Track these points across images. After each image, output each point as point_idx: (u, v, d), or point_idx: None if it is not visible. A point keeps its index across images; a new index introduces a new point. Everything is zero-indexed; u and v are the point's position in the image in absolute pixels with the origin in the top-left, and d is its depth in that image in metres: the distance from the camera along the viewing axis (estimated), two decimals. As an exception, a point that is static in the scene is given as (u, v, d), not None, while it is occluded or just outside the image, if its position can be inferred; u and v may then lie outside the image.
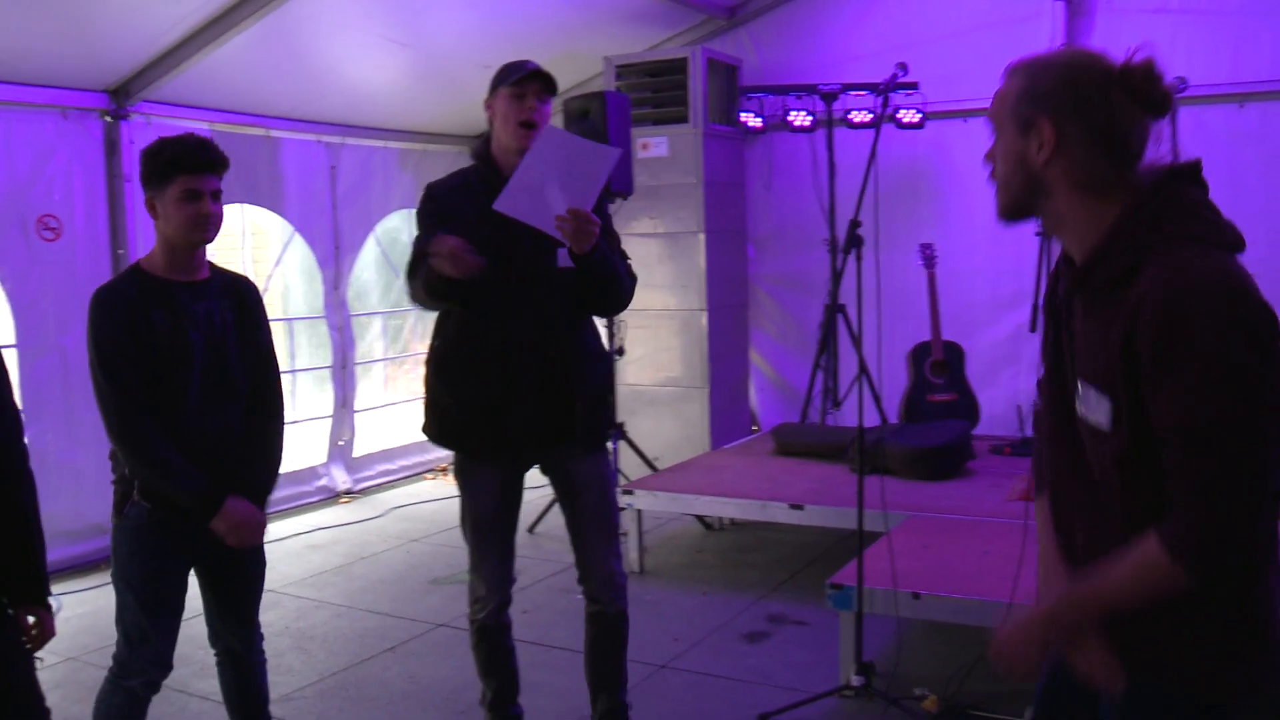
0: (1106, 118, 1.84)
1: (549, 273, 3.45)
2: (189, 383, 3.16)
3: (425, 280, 3.32)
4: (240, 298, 3.32)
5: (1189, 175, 1.90)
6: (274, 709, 4.33)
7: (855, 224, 4.04)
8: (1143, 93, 1.84)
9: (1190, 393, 1.71)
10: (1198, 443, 1.71)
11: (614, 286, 3.51)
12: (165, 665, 3.27)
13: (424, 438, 8.59)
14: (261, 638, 3.54)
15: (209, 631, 3.46)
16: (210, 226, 3.13)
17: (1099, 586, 1.86)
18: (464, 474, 3.65)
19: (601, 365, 3.71)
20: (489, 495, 3.60)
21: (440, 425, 3.65)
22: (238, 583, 3.40)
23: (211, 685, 4.56)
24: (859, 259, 4.07)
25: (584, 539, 3.67)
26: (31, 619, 2.63)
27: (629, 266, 3.64)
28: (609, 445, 3.80)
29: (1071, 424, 1.99)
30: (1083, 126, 1.85)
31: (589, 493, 3.66)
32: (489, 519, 3.61)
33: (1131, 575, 1.80)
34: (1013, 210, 1.98)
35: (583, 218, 3.25)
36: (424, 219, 3.52)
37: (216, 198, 3.14)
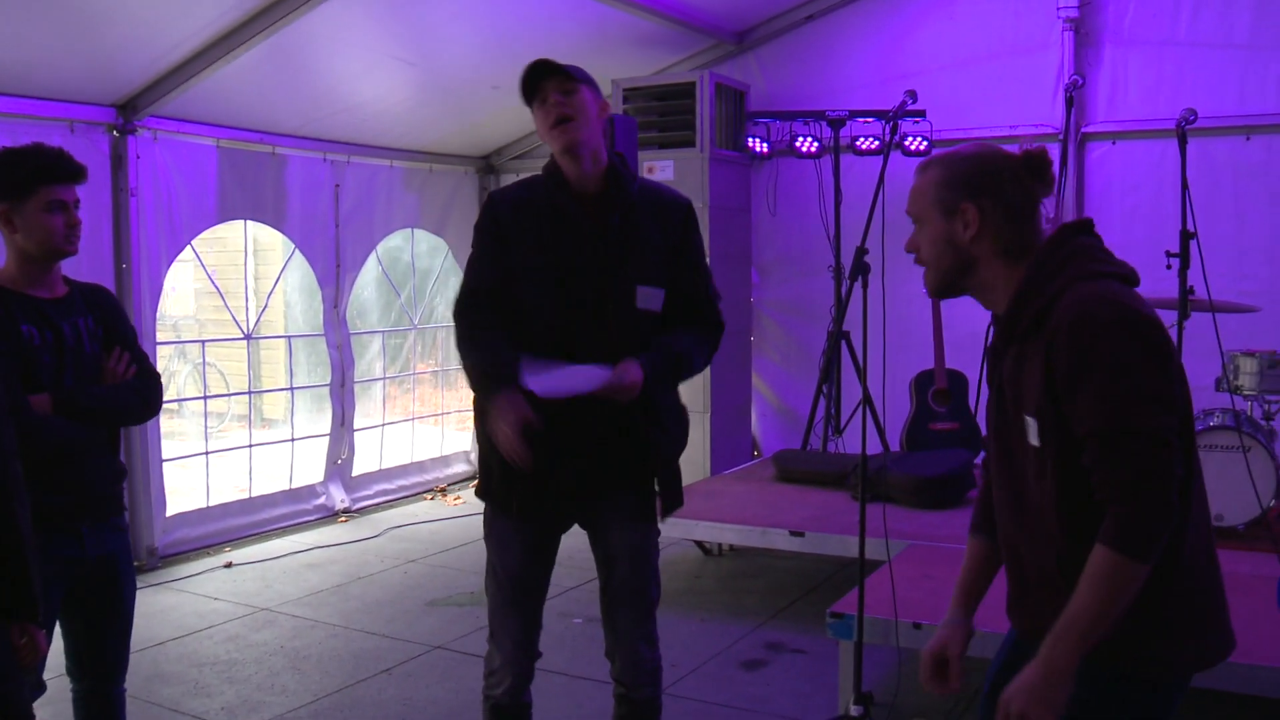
0: (1018, 194, 2.19)
1: (622, 313, 3.05)
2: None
3: (477, 387, 3.06)
4: (102, 310, 3.24)
5: (1082, 229, 2.21)
6: (267, 730, 4.32)
7: (862, 251, 4.02)
8: (1040, 173, 2.20)
9: (1098, 399, 1.99)
10: (1110, 441, 1.98)
11: (684, 377, 3.17)
12: (42, 687, 3.11)
13: (422, 458, 8.60)
14: (126, 670, 3.37)
15: (72, 664, 3.26)
16: (77, 237, 3.10)
17: (1074, 616, 2.00)
18: (492, 526, 3.24)
19: (684, 417, 3.28)
20: (516, 551, 3.19)
21: (485, 480, 3.23)
22: (114, 611, 3.27)
23: (203, 704, 4.55)
24: (865, 286, 4.05)
25: (613, 616, 3.27)
26: (23, 637, 2.59)
27: (716, 311, 3.24)
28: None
29: (1009, 460, 2.24)
30: (1001, 204, 2.18)
31: (626, 565, 3.22)
32: (512, 577, 3.21)
33: (1096, 589, 1.98)
34: (943, 288, 2.30)
35: (615, 390, 2.94)
36: (483, 237, 3.13)
37: (77, 207, 3.10)
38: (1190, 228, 5.10)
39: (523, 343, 3.04)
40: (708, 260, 3.33)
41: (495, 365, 3.00)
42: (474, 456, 8.62)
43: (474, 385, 3.10)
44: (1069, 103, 6.52)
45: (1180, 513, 2.03)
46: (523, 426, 2.89)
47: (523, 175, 3.40)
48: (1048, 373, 2.05)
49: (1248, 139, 6.72)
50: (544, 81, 3.01)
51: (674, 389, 3.20)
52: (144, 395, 3.26)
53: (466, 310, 3.12)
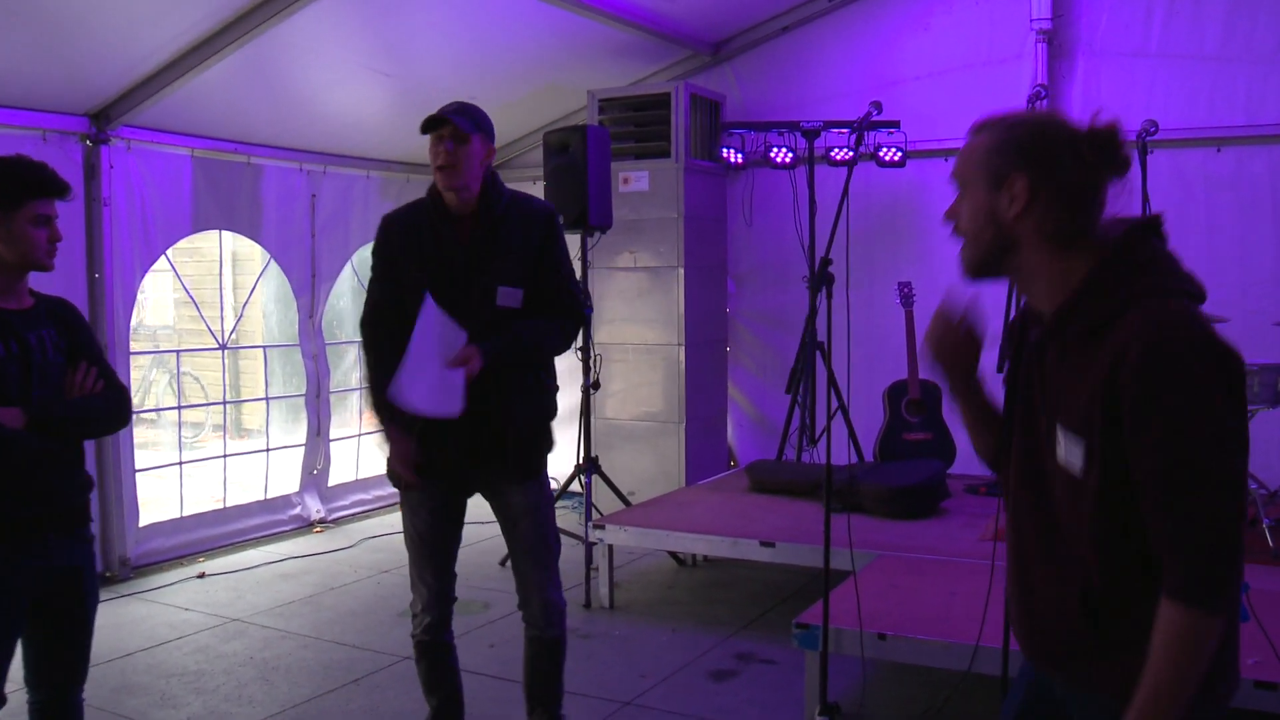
0: (1077, 175, 1.91)
1: (487, 312, 3.57)
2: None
3: (374, 409, 3.76)
4: (65, 324, 3.22)
5: (1153, 229, 1.97)
6: (232, 741, 4.31)
7: (826, 262, 4.02)
8: (1108, 153, 1.91)
9: (1170, 438, 1.77)
10: (1184, 487, 1.77)
11: (530, 359, 3.71)
12: (3, 700, 3.08)
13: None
14: (84, 680, 3.31)
15: (30, 674, 3.21)
16: (55, 252, 3.13)
17: (1155, 691, 1.81)
18: (404, 496, 3.81)
19: (540, 398, 3.79)
20: (424, 515, 3.77)
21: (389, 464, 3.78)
22: (76, 621, 3.23)
23: (169, 715, 4.53)
24: (829, 296, 4.06)
25: (520, 567, 3.83)
26: None
27: (576, 304, 3.77)
28: (547, 475, 3.91)
29: (1037, 470, 2.03)
30: (1054, 182, 1.92)
31: (524, 522, 3.77)
32: (423, 537, 3.79)
33: (1174, 654, 1.79)
34: (980, 266, 2.03)
35: (460, 364, 3.45)
36: (378, 256, 3.74)
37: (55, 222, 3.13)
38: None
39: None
40: (570, 262, 3.85)
41: (390, 411, 3.56)
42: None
43: (372, 405, 3.79)
44: (1037, 113, 6.54)
45: None
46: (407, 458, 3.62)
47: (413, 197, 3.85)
48: (1107, 395, 1.82)
49: (1219, 150, 6.76)
50: (442, 126, 3.49)
51: (521, 364, 3.67)
52: (113, 408, 3.26)
53: (370, 323, 3.75)
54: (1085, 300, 1.90)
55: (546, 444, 3.84)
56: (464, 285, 3.57)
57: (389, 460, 3.72)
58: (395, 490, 8.27)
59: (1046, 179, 1.91)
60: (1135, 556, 1.87)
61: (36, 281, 3.23)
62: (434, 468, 3.65)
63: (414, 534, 3.80)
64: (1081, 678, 1.99)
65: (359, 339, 8.32)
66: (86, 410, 3.18)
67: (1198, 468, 1.76)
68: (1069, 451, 1.91)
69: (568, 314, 3.74)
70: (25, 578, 3.05)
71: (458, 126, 3.45)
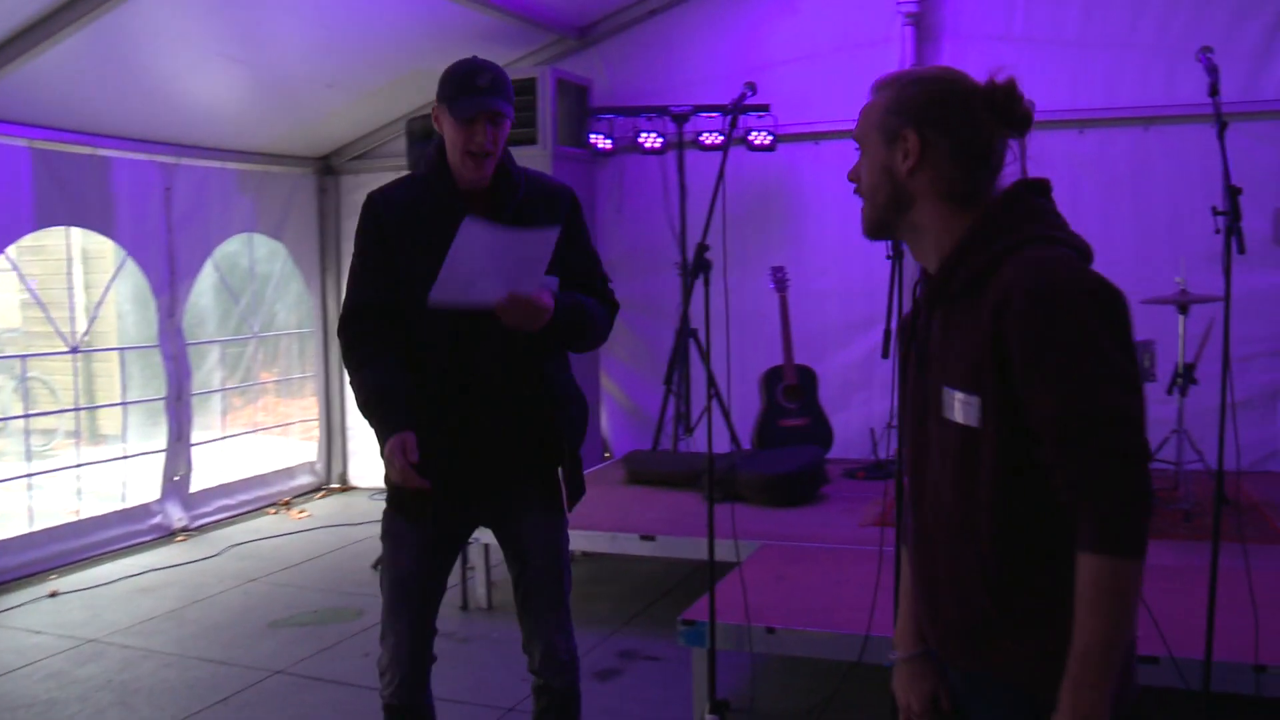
0: (971, 131, 1.91)
1: None
2: None
3: (367, 411, 2.98)
4: None
5: (1039, 189, 1.95)
6: (88, 772, 4.05)
7: (703, 247, 3.93)
8: (1005, 110, 1.91)
9: (1061, 379, 1.73)
10: (1076, 426, 1.72)
11: (582, 340, 3.15)
12: None
13: (264, 470, 8.25)
14: None
15: None
16: None
17: (1085, 650, 1.72)
18: (390, 525, 3.15)
19: (584, 406, 3.28)
20: (407, 552, 3.14)
21: (396, 490, 3.07)
22: None
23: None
24: (707, 283, 3.97)
25: (529, 609, 3.24)
26: None
27: (610, 291, 3.26)
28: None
29: (928, 445, 1.97)
30: (947, 139, 1.91)
31: (544, 555, 3.21)
32: (403, 580, 3.14)
33: (1099, 608, 1.71)
34: (878, 225, 2.01)
35: (522, 305, 2.83)
36: (366, 243, 3.04)
37: None
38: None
39: (414, 350, 3.01)
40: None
41: (384, 407, 2.96)
42: (320, 467, 8.40)
43: (363, 413, 3.03)
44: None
45: None
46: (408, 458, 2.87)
47: (399, 174, 3.29)
48: (995, 346, 1.79)
49: (1081, 132, 6.86)
50: (481, 110, 2.92)
51: (565, 339, 3.10)
52: None
53: (352, 328, 3.05)
54: (966, 253, 1.89)
55: (581, 466, 3.29)
56: None
57: (387, 473, 2.95)
58: (263, 494, 8.10)
59: (938, 134, 1.91)
60: (1030, 519, 1.82)
61: None
62: (439, 496, 3.00)
63: (393, 575, 3.14)
64: (983, 663, 1.90)
65: (220, 339, 8.13)
66: None
67: (1094, 407, 1.72)
68: (962, 411, 1.86)
69: (606, 301, 3.23)
70: None
71: (504, 112, 2.93)
